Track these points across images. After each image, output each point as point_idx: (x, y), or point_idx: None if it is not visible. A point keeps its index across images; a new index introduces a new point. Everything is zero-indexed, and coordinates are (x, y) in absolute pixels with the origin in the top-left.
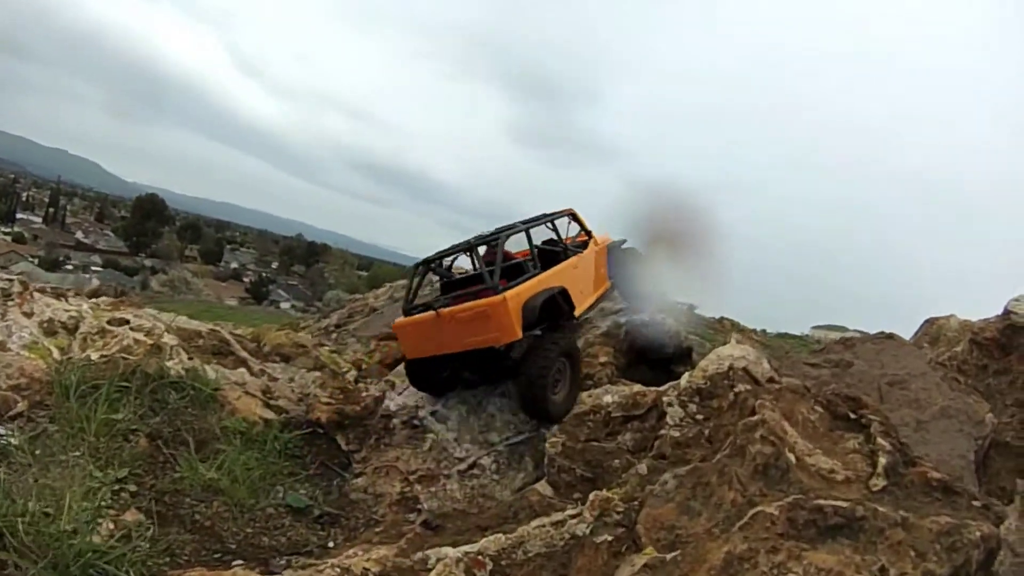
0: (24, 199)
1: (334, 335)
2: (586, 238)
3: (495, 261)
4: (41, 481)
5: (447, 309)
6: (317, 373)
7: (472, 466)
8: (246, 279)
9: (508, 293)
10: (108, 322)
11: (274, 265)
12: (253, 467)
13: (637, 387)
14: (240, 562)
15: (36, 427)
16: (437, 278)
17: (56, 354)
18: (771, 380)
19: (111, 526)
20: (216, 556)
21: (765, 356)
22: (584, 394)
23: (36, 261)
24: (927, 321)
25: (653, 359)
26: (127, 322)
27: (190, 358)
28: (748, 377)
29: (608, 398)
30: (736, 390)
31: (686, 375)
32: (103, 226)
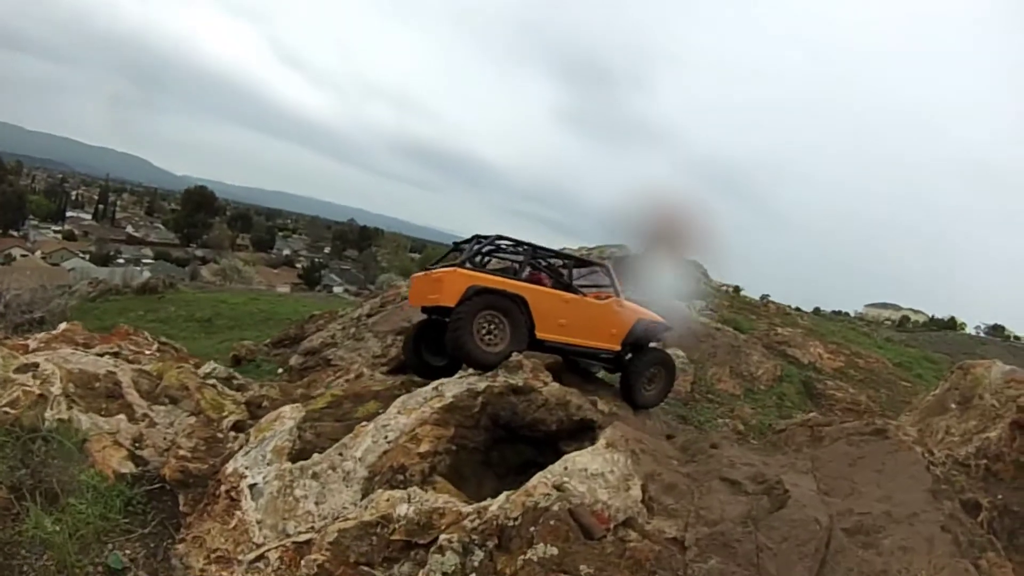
0: (74, 197)
1: (353, 330)
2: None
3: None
4: None
5: (429, 271)
6: (193, 419)
7: (260, 558)
8: (298, 265)
9: (460, 271)
10: (15, 370)
11: (326, 250)
12: (92, 522)
13: (443, 499)
14: None
15: None
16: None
17: None
18: (628, 523)
19: None
20: None
21: (644, 473)
22: (383, 497)
23: (87, 257)
24: (960, 367)
25: (531, 435)
26: (37, 366)
27: (69, 407)
28: (571, 526)
29: (403, 509)
30: (528, 555)
31: (502, 497)
32: (153, 220)
